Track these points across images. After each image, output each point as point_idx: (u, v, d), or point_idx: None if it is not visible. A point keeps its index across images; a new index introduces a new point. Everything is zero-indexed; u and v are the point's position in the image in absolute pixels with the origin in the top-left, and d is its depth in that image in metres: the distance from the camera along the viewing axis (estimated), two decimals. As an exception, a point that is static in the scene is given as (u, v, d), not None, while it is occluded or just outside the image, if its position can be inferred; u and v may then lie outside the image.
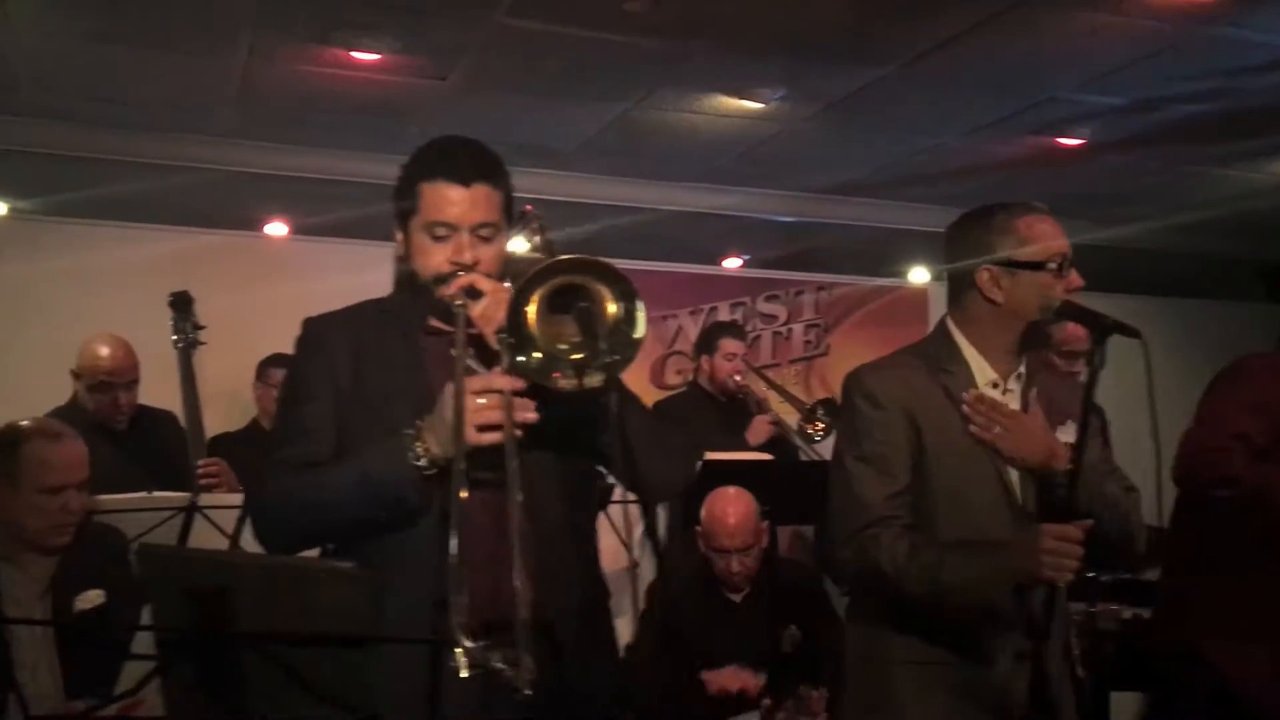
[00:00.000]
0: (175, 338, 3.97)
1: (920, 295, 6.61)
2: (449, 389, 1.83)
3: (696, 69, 4.31)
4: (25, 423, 2.81)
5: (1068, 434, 2.19)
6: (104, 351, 3.78)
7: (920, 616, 2.13)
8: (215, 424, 5.10)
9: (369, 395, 1.99)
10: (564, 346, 1.86)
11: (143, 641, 2.24)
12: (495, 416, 1.81)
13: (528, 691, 1.66)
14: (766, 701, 3.39)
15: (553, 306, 1.85)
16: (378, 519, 1.88)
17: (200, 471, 3.79)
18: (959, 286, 2.21)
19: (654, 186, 5.85)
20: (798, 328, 6.38)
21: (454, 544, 1.68)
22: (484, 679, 1.86)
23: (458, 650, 1.87)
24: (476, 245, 1.96)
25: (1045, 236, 2.15)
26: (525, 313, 1.82)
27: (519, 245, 2.24)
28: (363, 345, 2.02)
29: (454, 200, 1.95)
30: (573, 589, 2.02)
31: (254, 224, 6.15)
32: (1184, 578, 2.84)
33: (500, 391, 1.82)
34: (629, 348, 1.84)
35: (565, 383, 1.85)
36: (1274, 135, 4.99)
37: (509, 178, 2.04)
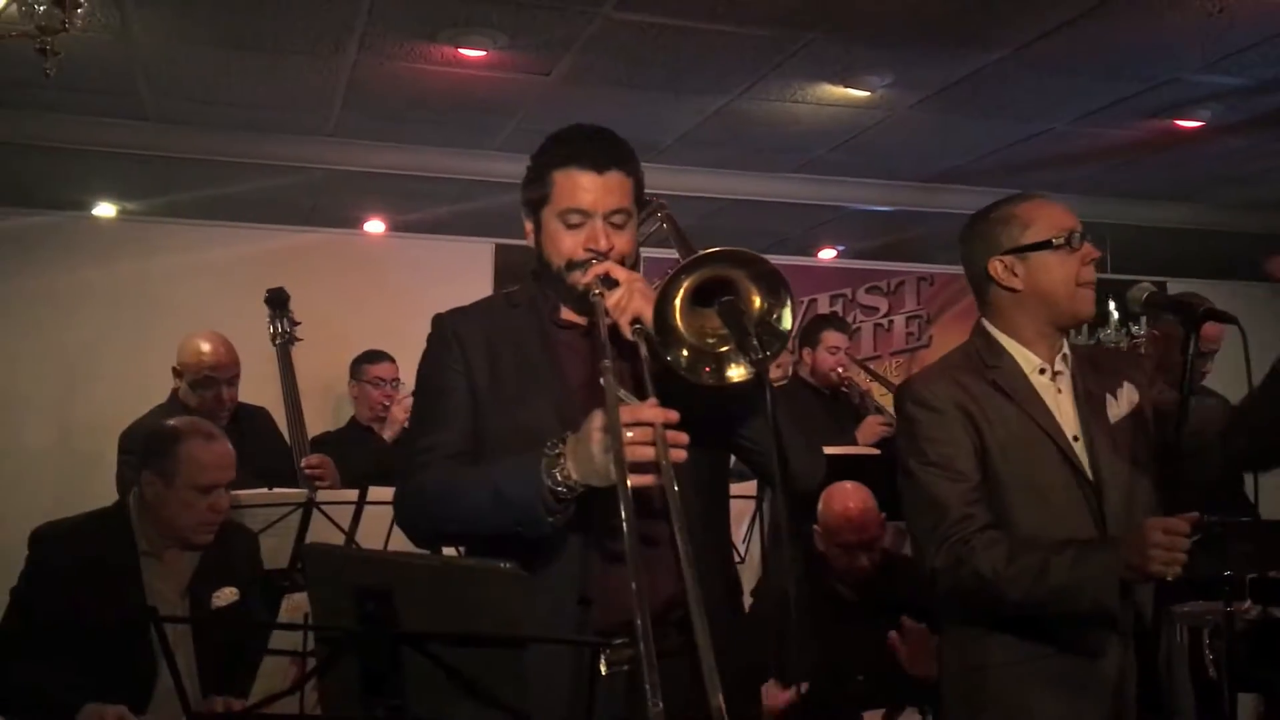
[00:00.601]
0: (272, 334, 4.04)
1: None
2: (597, 417, 1.76)
3: (803, 58, 4.24)
4: (180, 422, 2.89)
5: (1129, 395, 2.21)
6: (206, 347, 3.81)
7: (1013, 616, 2.08)
8: (315, 421, 5.20)
9: (505, 389, 1.98)
10: (710, 340, 1.83)
11: (282, 639, 2.29)
12: (648, 453, 1.74)
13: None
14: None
15: (697, 300, 1.82)
16: (513, 531, 1.85)
17: (306, 469, 3.84)
18: (981, 286, 2.25)
19: (751, 178, 5.81)
20: (899, 319, 6.27)
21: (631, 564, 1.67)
22: (626, 678, 1.86)
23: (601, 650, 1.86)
24: (610, 233, 1.94)
25: (1046, 216, 2.17)
26: (671, 308, 1.80)
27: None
28: (496, 339, 2.02)
29: (588, 187, 1.93)
30: (713, 585, 2.00)
31: (353, 222, 6.25)
32: None
33: (651, 424, 1.75)
34: (776, 340, 1.81)
35: (712, 378, 1.82)
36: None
37: (640, 166, 2.03)
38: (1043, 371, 2.19)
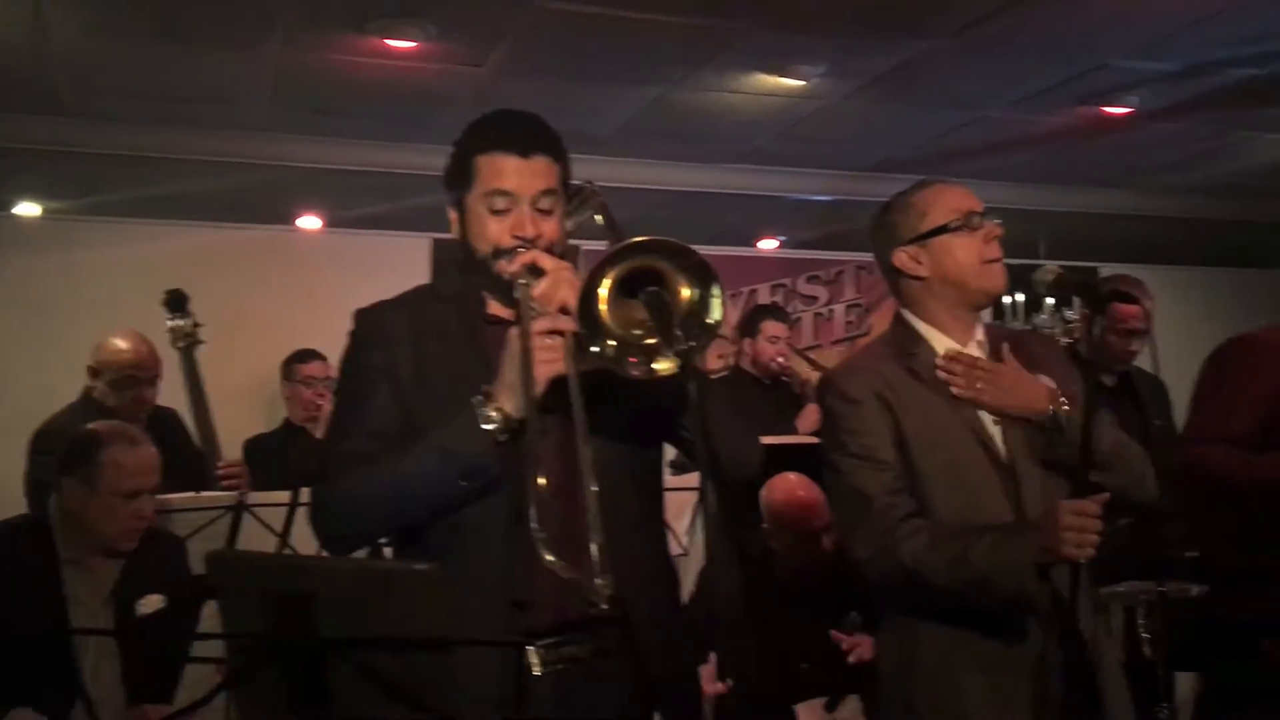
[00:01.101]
0: (173, 336, 3.84)
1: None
2: (513, 333, 1.80)
3: (737, 47, 4.23)
4: (102, 426, 2.81)
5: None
6: (127, 346, 3.70)
7: (947, 605, 2.09)
8: (252, 422, 5.11)
9: (431, 390, 1.93)
10: (637, 332, 1.79)
11: (206, 647, 2.23)
12: (560, 357, 1.78)
13: (604, 606, 1.64)
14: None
15: (624, 290, 1.78)
16: (457, 495, 1.82)
17: (222, 474, 3.73)
18: (892, 279, 2.26)
19: (692, 169, 5.78)
20: (839, 308, 6.30)
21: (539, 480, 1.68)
22: (557, 678, 1.83)
23: (531, 649, 1.83)
24: (537, 219, 1.89)
25: (941, 200, 2.18)
26: (596, 298, 1.76)
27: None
28: (421, 335, 1.96)
29: (512, 171, 1.88)
30: (649, 582, 1.97)
31: (287, 218, 6.14)
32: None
33: (564, 333, 1.78)
34: (705, 332, 1.78)
35: (638, 370, 1.79)
36: (1329, 98, 4.86)
37: (566, 152, 1.98)
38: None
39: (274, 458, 4.38)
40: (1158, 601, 3.28)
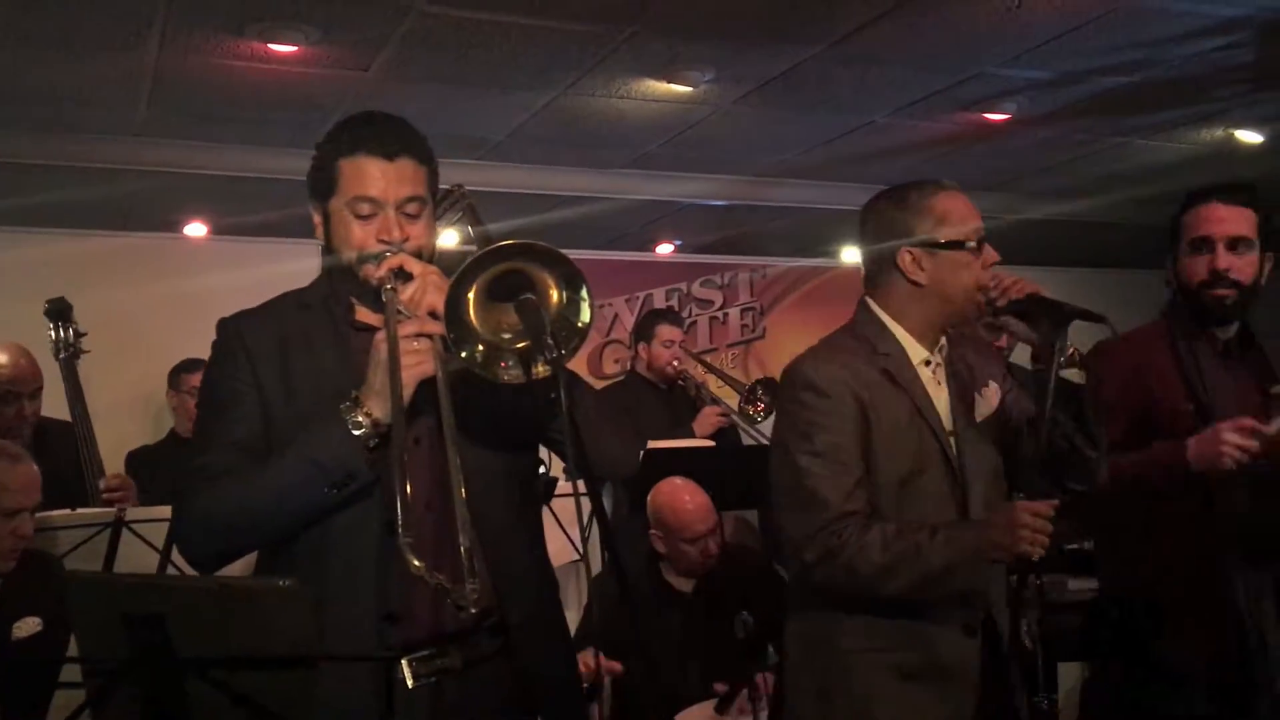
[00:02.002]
0: (54, 347, 3.75)
1: (854, 275, 6.58)
2: (379, 337, 1.79)
3: (625, 54, 4.24)
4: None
5: (992, 394, 2.24)
6: (5, 359, 3.55)
7: (865, 604, 2.11)
8: (136, 433, 4.97)
9: (297, 401, 1.90)
10: (507, 336, 1.79)
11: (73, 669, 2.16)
12: (428, 361, 1.78)
13: (473, 610, 1.66)
14: (720, 687, 3.35)
15: (493, 294, 1.78)
16: (326, 503, 1.80)
17: (105, 491, 3.62)
18: (879, 269, 2.22)
19: (586, 174, 5.79)
20: (734, 312, 6.37)
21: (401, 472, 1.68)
22: (432, 691, 1.82)
23: (404, 662, 1.82)
24: (404, 223, 1.88)
25: (961, 214, 2.16)
26: (465, 303, 1.75)
27: (448, 239, 2.18)
28: (287, 344, 1.93)
29: (377, 174, 1.86)
30: (526, 588, 1.97)
31: (173, 225, 5.99)
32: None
33: (431, 336, 1.78)
34: (575, 336, 1.79)
35: (510, 374, 1.79)
36: (1191, 105, 5.06)
37: (433, 155, 1.97)
38: (927, 363, 2.20)
39: (158, 471, 4.27)
40: (1035, 594, 3.38)
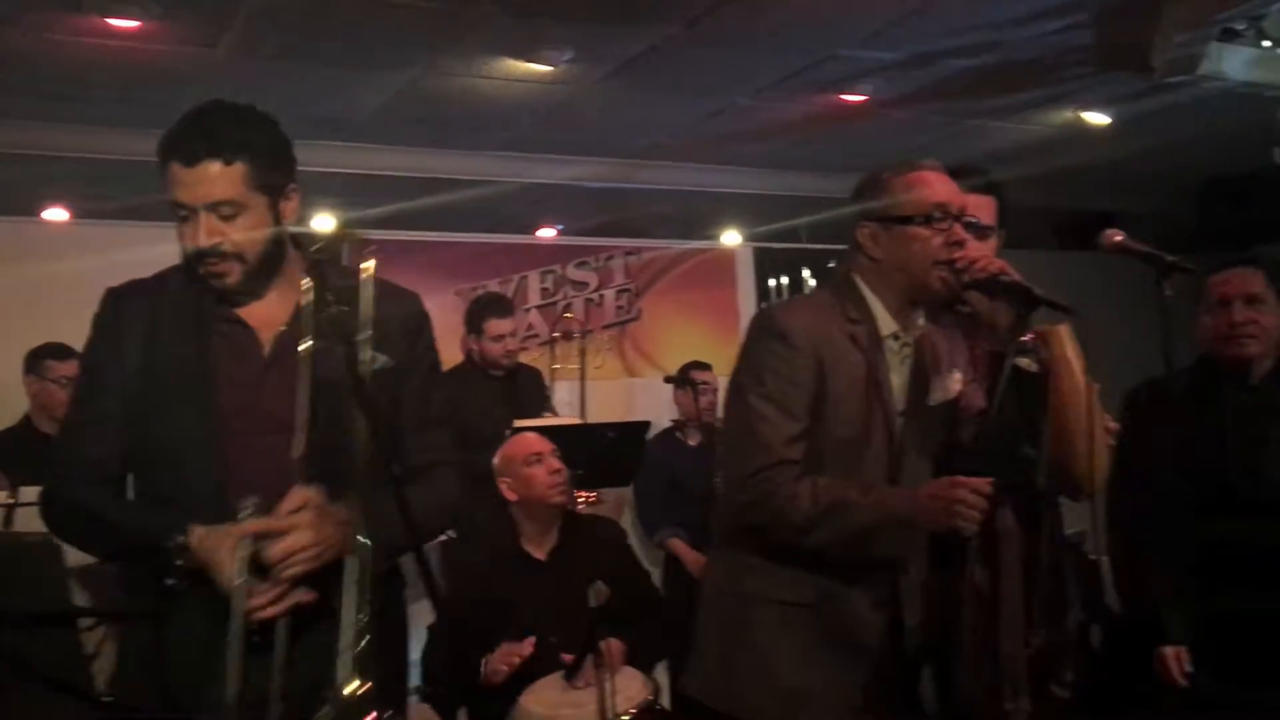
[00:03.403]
0: None
1: (728, 257, 6.73)
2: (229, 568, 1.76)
3: (479, 31, 4.25)
4: None
5: (954, 382, 2.27)
6: None
7: (790, 558, 2.14)
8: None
9: (153, 390, 1.91)
10: None
11: None
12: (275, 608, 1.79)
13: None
14: (568, 659, 3.38)
15: None
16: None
17: None
18: (852, 244, 2.26)
19: (456, 156, 5.78)
20: (609, 293, 6.40)
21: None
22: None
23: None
24: (219, 226, 1.88)
25: (916, 189, 2.18)
26: None
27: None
28: (158, 324, 1.93)
29: (182, 181, 1.87)
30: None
31: (30, 209, 5.82)
32: None
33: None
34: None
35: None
36: (1039, 87, 5.23)
37: (262, 146, 1.93)
38: (895, 338, 2.23)
39: (8, 458, 4.16)
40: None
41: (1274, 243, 6.80)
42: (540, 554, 3.75)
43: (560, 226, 7.20)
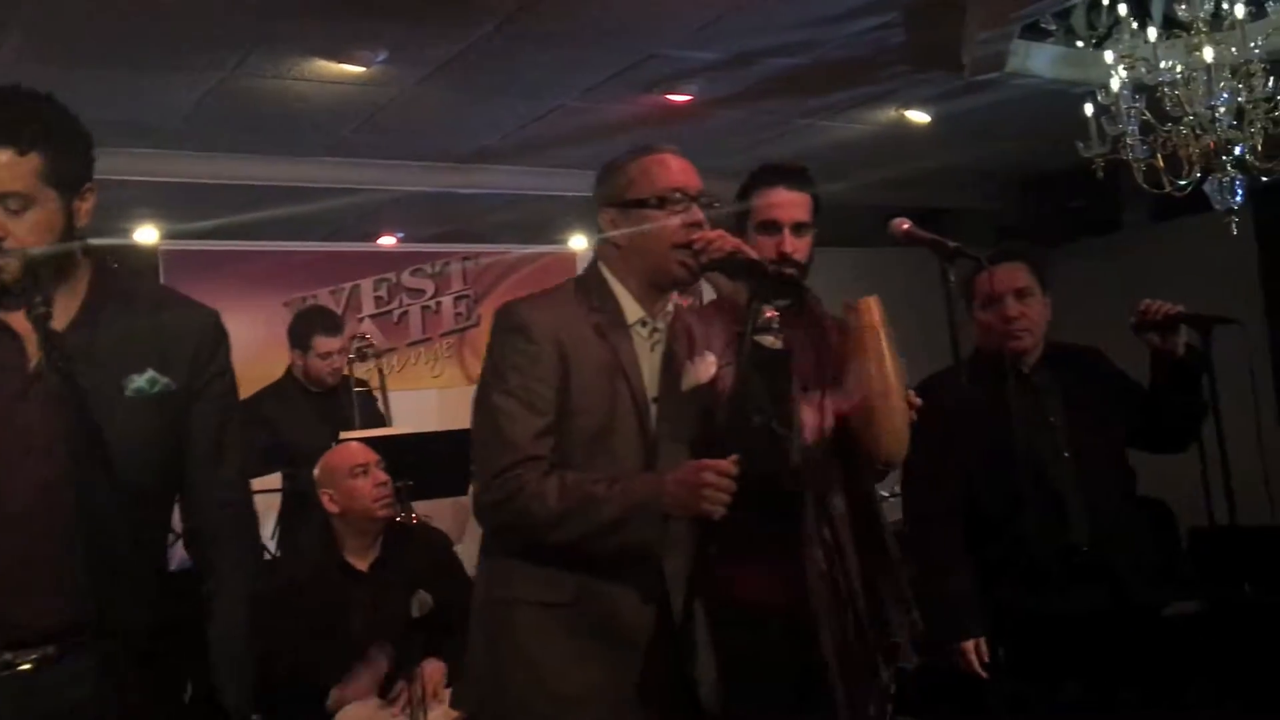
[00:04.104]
0: None
1: (569, 259, 6.69)
2: None
3: (283, 30, 4.10)
4: None
5: (707, 365, 2.25)
6: None
7: (549, 557, 2.09)
8: None
9: None
10: None
11: None
12: None
13: None
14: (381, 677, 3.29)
15: None
16: None
17: None
18: (597, 232, 2.26)
19: (274, 162, 5.59)
20: (446, 300, 6.30)
21: None
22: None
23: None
24: (2, 220, 1.77)
25: (650, 173, 2.19)
26: None
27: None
28: None
29: None
30: (135, 601, 1.84)
31: None
32: None
33: None
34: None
35: None
36: (861, 86, 5.33)
37: (61, 139, 1.83)
38: (644, 324, 2.20)
39: None
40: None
41: (1092, 236, 7.12)
42: (362, 565, 3.66)
43: (400, 234, 7.05)
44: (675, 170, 2.20)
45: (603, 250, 2.25)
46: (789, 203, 2.51)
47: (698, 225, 2.15)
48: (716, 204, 2.25)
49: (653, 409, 2.19)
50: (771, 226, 2.49)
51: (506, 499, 2.05)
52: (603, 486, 2.05)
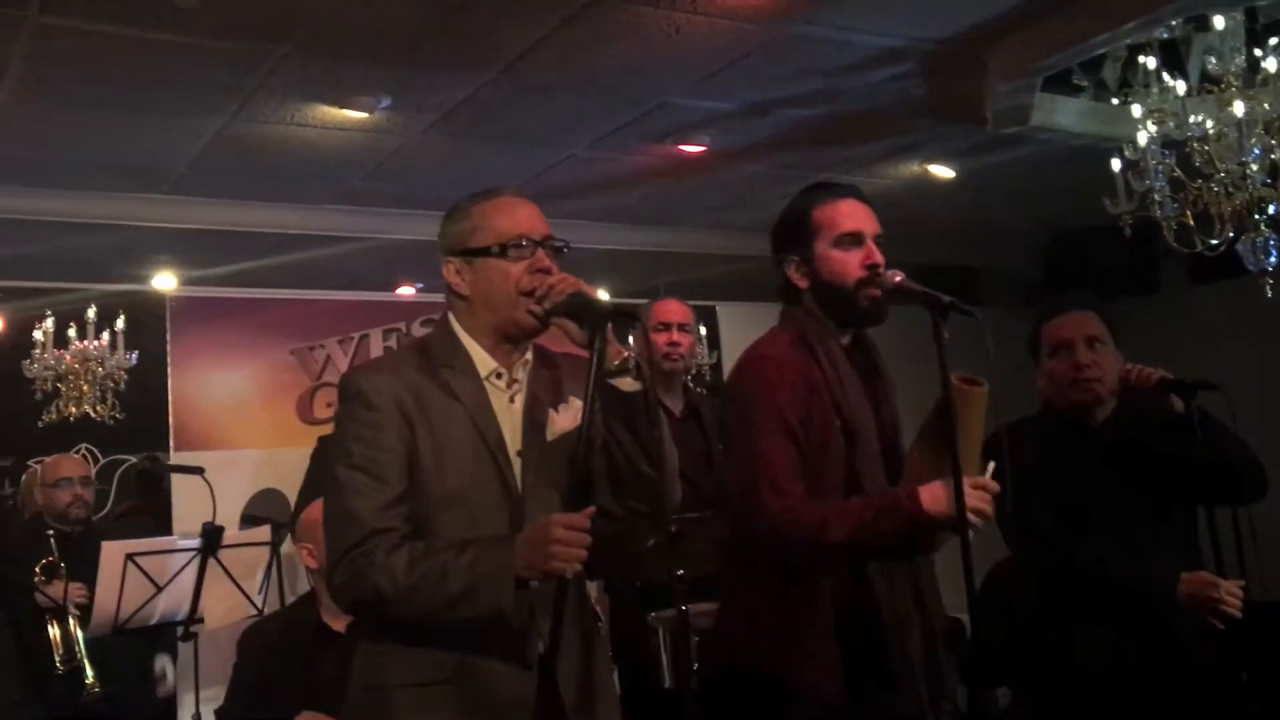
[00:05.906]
0: None
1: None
2: None
3: (282, 75, 4.05)
4: None
5: (569, 415, 2.12)
6: None
7: (422, 636, 1.96)
8: None
9: None
10: None
11: None
12: None
13: None
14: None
15: None
16: None
17: None
18: (446, 283, 2.12)
19: (285, 210, 5.55)
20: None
21: None
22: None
23: None
24: None
25: (496, 218, 2.08)
26: None
27: None
28: None
29: None
30: None
31: None
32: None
33: None
34: None
35: None
36: (882, 139, 5.19)
37: None
38: (499, 376, 2.08)
39: None
40: (678, 622, 3.26)
41: (1120, 295, 6.89)
42: (339, 625, 3.51)
43: (419, 285, 6.97)
44: (520, 215, 2.10)
45: (450, 302, 2.12)
46: (863, 213, 2.38)
47: (545, 271, 2.03)
48: (566, 248, 2.12)
49: (517, 462, 2.06)
50: (853, 238, 2.35)
51: (355, 577, 1.93)
52: (452, 555, 1.91)
